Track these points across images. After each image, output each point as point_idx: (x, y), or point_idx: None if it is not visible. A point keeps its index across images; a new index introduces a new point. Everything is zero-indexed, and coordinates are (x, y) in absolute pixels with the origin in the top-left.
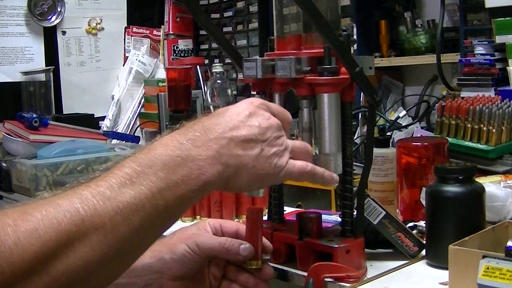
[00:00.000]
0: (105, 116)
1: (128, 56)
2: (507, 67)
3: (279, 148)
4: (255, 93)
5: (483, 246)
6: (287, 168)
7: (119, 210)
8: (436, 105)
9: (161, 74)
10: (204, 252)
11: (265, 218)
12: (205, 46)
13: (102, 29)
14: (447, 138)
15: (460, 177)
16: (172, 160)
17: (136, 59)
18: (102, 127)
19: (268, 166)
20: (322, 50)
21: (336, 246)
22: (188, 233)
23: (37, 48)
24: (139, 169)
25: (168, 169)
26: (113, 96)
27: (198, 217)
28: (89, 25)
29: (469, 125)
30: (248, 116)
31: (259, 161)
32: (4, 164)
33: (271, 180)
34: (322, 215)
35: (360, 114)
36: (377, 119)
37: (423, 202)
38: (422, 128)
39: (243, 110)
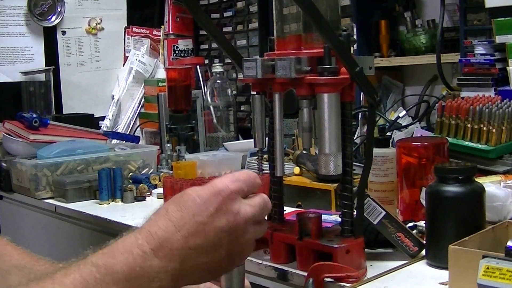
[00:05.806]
0: (105, 116)
1: (128, 56)
2: (507, 67)
3: (242, 246)
4: (255, 93)
5: (483, 246)
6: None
7: None
8: (436, 105)
9: (161, 74)
10: None
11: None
12: (205, 46)
13: (102, 29)
14: (447, 138)
15: (460, 177)
16: (133, 272)
17: (136, 59)
18: (102, 127)
19: (231, 263)
20: (322, 50)
21: (336, 246)
22: None
23: (37, 48)
24: (99, 276)
25: (129, 280)
26: (113, 96)
27: None
28: (89, 25)
29: (469, 125)
30: (215, 214)
31: (223, 262)
32: (4, 164)
33: (227, 271)
34: (322, 215)
35: (360, 114)
36: (377, 119)
37: (423, 202)
38: (422, 128)
39: (209, 205)
